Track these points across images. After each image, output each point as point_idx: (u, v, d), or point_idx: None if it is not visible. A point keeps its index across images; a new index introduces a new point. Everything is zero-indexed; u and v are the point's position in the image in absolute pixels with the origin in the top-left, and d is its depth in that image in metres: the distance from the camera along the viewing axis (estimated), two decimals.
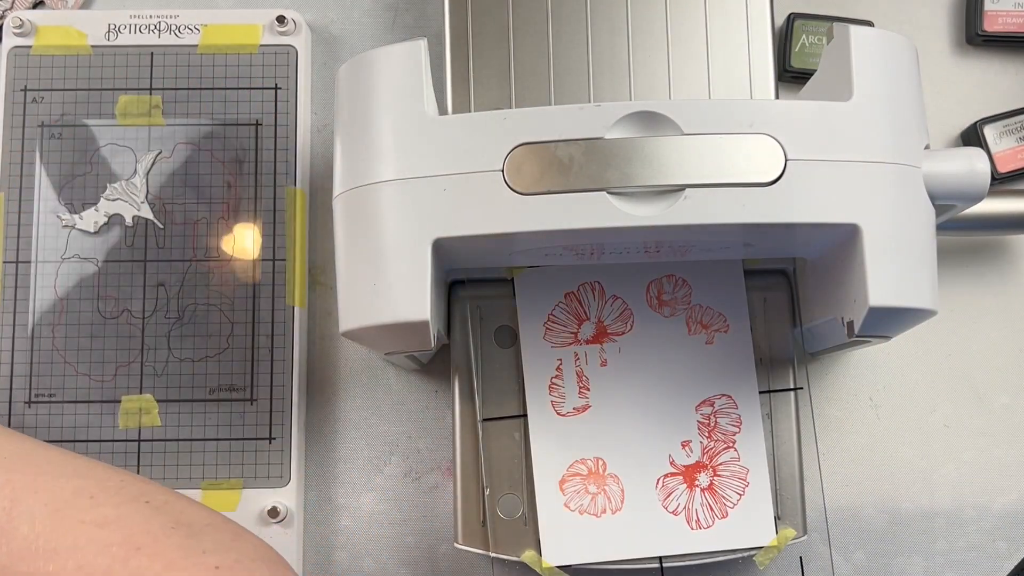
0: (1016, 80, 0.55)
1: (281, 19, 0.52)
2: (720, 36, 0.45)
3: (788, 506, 0.46)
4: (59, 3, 0.55)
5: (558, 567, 0.45)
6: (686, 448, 0.46)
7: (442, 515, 0.51)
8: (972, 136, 0.53)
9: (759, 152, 0.37)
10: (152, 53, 0.52)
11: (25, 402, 0.49)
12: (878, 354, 0.53)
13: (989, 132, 0.52)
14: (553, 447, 0.46)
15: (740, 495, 0.46)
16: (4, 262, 0.51)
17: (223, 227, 0.51)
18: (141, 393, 0.50)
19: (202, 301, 0.51)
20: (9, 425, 0.49)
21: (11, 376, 0.50)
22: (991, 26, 0.53)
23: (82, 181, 0.51)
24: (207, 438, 0.49)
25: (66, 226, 0.51)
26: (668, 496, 0.46)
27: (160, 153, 0.52)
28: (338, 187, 0.41)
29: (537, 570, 0.45)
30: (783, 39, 0.53)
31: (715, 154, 0.37)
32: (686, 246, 0.42)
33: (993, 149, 0.52)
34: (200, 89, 0.52)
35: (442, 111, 0.41)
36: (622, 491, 0.46)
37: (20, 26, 0.52)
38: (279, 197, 0.51)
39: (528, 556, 0.45)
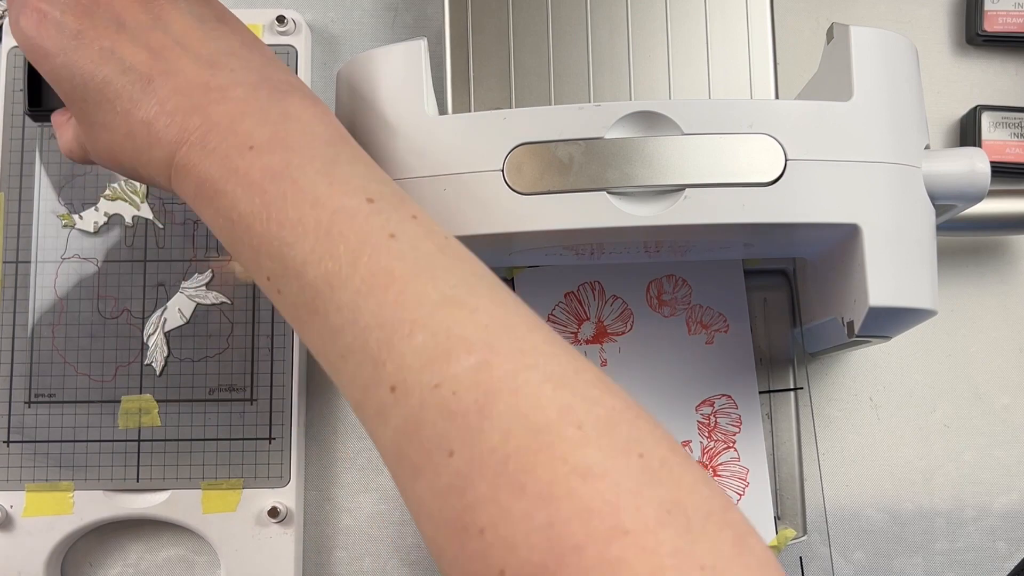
0: (1016, 80, 0.55)
1: (281, 19, 0.52)
2: (720, 36, 0.45)
3: (788, 506, 0.46)
4: None
5: None
6: (686, 448, 0.46)
7: None
8: (970, 119, 0.53)
9: (759, 152, 0.37)
10: None
11: (25, 402, 0.49)
12: (878, 354, 0.53)
13: (986, 118, 0.52)
14: None
15: (740, 495, 0.46)
16: (4, 262, 0.51)
17: None
18: (141, 393, 0.50)
19: None
20: (8, 425, 0.49)
21: (11, 376, 0.50)
22: (991, 26, 0.53)
23: (82, 181, 0.51)
24: (207, 438, 0.49)
25: (66, 226, 0.51)
26: None
27: None
28: None
29: None
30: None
31: (715, 154, 0.37)
32: (686, 246, 0.42)
33: (985, 135, 0.52)
34: None
35: (442, 111, 0.41)
36: None
37: None
38: None
39: None
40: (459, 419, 0.27)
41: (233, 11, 0.53)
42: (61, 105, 0.40)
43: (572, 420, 0.27)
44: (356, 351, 0.30)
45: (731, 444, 0.46)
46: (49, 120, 0.43)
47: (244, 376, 0.50)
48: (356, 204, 0.31)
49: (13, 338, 0.50)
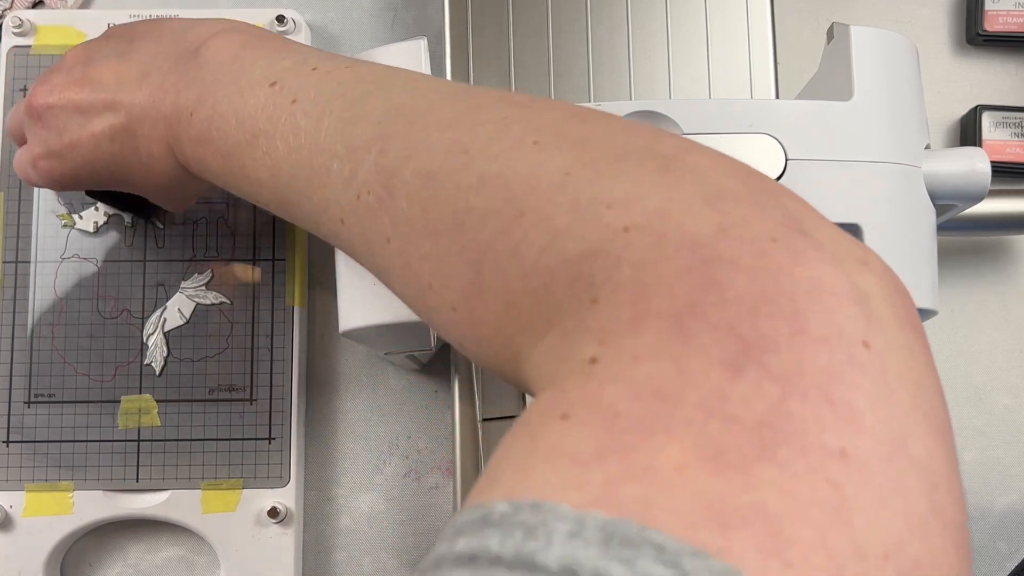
0: (1016, 80, 0.55)
1: (281, 19, 0.52)
2: (720, 36, 0.45)
3: None
4: (59, 3, 0.55)
5: None
6: None
7: (442, 515, 0.51)
8: (971, 119, 0.53)
9: (759, 152, 0.37)
10: None
11: (25, 402, 0.49)
12: None
13: (987, 118, 0.52)
14: None
15: None
16: (4, 262, 0.51)
17: (223, 227, 0.51)
18: (140, 393, 0.50)
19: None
20: (8, 425, 0.49)
21: (10, 376, 0.50)
22: (991, 26, 0.53)
23: None
24: (207, 438, 0.49)
25: (65, 226, 0.51)
26: None
27: None
28: None
29: None
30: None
31: None
32: None
33: (986, 135, 0.52)
34: None
35: None
36: None
37: (20, 26, 0.52)
38: None
39: None
40: (379, 210, 0.30)
41: (233, 11, 0.53)
42: (138, 198, 0.44)
43: (458, 150, 0.28)
44: (315, 211, 0.33)
45: None
46: (151, 213, 0.50)
47: (244, 376, 0.50)
48: (262, 97, 0.34)
49: (13, 338, 0.50)
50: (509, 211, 0.25)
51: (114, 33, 0.43)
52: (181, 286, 0.50)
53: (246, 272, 0.51)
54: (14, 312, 0.50)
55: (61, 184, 0.42)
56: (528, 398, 0.46)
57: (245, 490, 0.49)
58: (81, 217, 0.51)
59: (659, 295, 0.21)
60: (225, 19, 0.41)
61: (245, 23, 0.40)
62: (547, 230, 0.24)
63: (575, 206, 0.24)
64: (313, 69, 0.34)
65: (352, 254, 0.33)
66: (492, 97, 0.30)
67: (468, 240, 0.26)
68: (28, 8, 0.55)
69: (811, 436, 0.19)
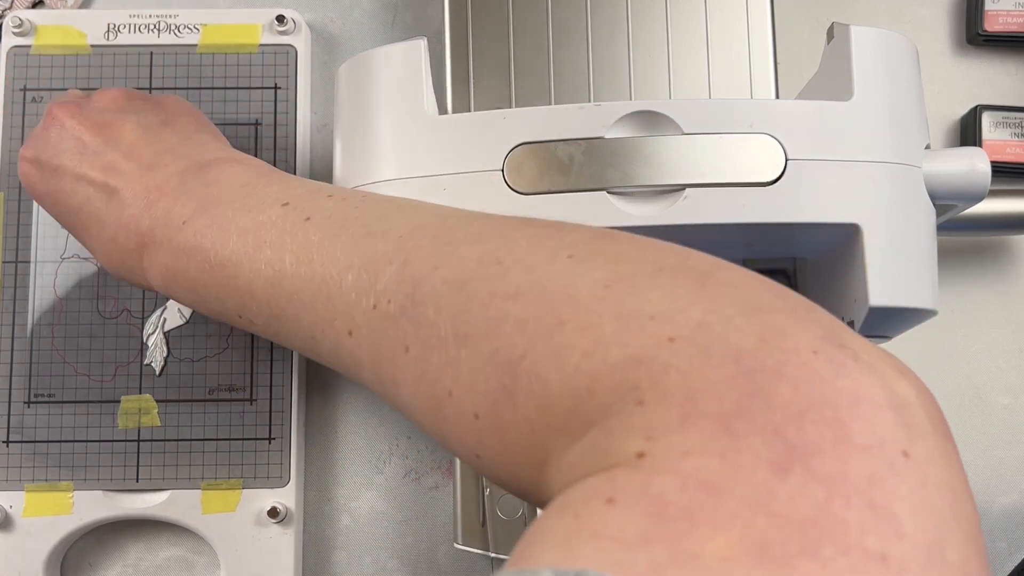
0: (1016, 80, 0.55)
1: (281, 19, 0.52)
2: (720, 36, 0.45)
3: None
4: (59, 3, 0.55)
5: None
6: None
7: (442, 515, 0.51)
8: (971, 119, 0.53)
9: (759, 152, 0.37)
10: (151, 53, 0.52)
11: (24, 402, 0.49)
12: None
13: (987, 118, 0.52)
14: None
15: None
16: (4, 262, 0.51)
17: None
18: (140, 393, 0.50)
19: None
20: (8, 426, 0.49)
21: (10, 376, 0.50)
22: (991, 26, 0.53)
23: None
24: (207, 438, 0.49)
25: None
26: None
27: None
28: None
29: None
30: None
31: (715, 154, 0.37)
32: (686, 246, 0.42)
33: (985, 135, 0.52)
34: (200, 89, 0.52)
35: (442, 111, 0.41)
36: None
37: (19, 25, 0.52)
38: None
39: None
40: (400, 317, 0.30)
41: (233, 11, 0.53)
42: None
43: (492, 261, 0.28)
44: (317, 323, 0.33)
45: None
46: None
47: (244, 376, 0.50)
48: (272, 214, 0.35)
49: (13, 338, 0.50)
50: (549, 318, 0.26)
51: (159, 100, 0.43)
52: None
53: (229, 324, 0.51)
54: (14, 312, 0.50)
55: (32, 193, 0.42)
56: None
57: (245, 490, 0.49)
58: None
59: (707, 399, 0.22)
60: (242, 154, 0.41)
61: (259, 160, 0.41)
62: (591, 337, 0.25)
63: (618, 316, 0.25)
64: (329, 196, 0.35)
65: (354, 367, 0.33)
66: (516, 220, 0.31)
67: (501, 344, 0.27)
68: (28, 8, 0.55)
69: (853, 537, 0.19)
